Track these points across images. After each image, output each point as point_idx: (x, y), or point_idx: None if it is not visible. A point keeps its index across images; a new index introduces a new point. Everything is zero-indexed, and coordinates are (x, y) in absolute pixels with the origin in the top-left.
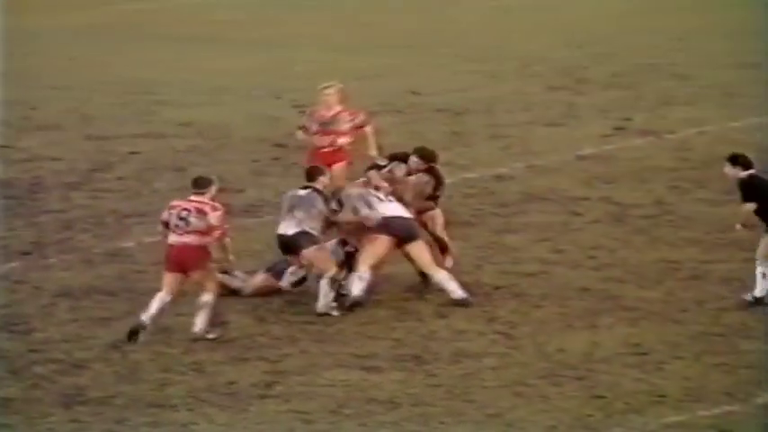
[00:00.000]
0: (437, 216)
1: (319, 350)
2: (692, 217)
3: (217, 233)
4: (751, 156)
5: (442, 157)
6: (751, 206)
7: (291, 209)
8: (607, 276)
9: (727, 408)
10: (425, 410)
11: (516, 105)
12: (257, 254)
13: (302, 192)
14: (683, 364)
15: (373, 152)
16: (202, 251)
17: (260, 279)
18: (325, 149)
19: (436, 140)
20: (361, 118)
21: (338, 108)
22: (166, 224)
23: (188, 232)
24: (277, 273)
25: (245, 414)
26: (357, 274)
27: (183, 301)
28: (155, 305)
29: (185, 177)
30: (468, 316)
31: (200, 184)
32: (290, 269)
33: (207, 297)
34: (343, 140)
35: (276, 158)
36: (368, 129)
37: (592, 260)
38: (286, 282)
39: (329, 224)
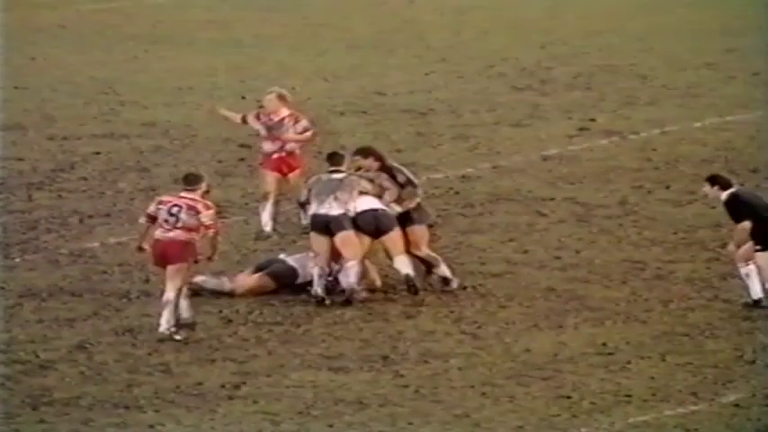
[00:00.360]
0: (417, 231)
1: (287, 351)
2: (655, 217)
3: (211, 231)
4: (713, 155)
5: (409, 157)
6: (747, 225)
7: (332, 191)
8: (572, 276)
9: (693, 407)
10: (393, 411)
11: (481, 106)
12: (223, 254)
13: (337, 176)
14: (649, 363)
15: (304, 139)
16: (187, 246)
17: (253, 279)
18: (276, 155)
19: (401, 141)
20: (302, 124)
21: (284, 113)
22: (152, 218)
23: (176, 228)
24: (272, 273)
25: (213, 415)
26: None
27: (148, 301)
28: (166, 314)
29: (149, 178)
30: (436, 316)
31: (190, 181)
32: (316, 271)
33: (169, 294)
34: (291, 146)
35: (241, 159)
36: (307, 134)
37: (557, 260)
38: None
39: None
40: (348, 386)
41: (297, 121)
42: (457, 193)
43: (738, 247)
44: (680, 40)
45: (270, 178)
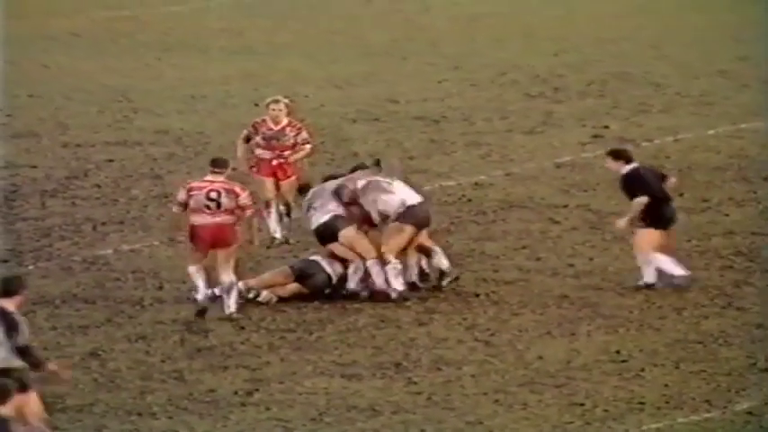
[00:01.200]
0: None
1: (299, 358)
2: None
3: (249, 211)
4: (726, 162)
5: (421, 165)
6: (644, 200)
7: (308, 208)
8: (585, 284)
9: (706, 414)
10: (406, 418)
11: (494, 113)
12: (237, 261)
13: (309, 192)
14: (662, 371)
15: (297, 165)
16: (234, 229)
17: (292, 288)
18: (273, 163)
19: (414, 148)
20: (303, 136)
21: (284, 122)
22: (185, 205)
23: (221, 213)
24: (310, 285)
25: (226, 422)
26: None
27: (161, 308)
28: (201, 283)
29: (162, 185)
30: (448, 323)
31: (219, 164)
32: (351, 269)
33: (231, 277)
34: (288, 154)
35: (253, 167)
36: (307, 147)
37: (570, 268)
38: (352, 284)
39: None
40: (361, 393)
41: (299, 132)
42: (470, 200)
43: (631, 222)
44: (693, 48)
45: (269, 185)
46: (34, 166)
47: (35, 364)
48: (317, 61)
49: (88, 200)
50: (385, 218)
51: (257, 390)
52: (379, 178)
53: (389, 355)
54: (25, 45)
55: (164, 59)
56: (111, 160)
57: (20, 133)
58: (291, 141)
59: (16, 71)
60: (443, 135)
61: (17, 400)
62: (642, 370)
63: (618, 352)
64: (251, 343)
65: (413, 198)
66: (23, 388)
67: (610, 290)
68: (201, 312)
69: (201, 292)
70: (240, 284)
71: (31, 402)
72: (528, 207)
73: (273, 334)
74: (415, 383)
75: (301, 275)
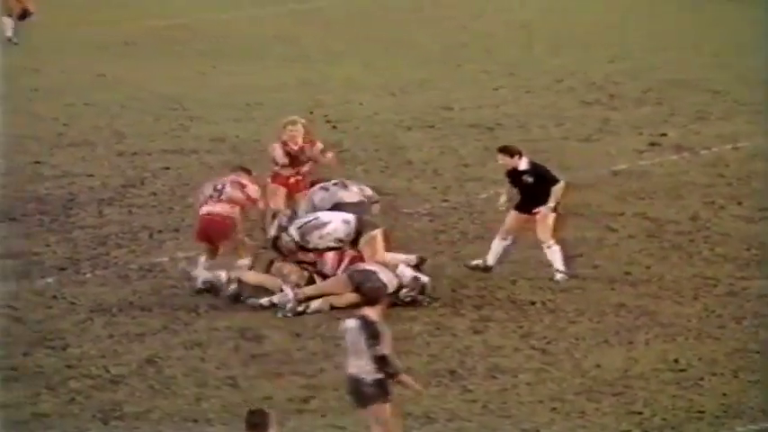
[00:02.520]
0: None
1: None
2: (727, 233)
3: (260, 204)
4: None
5: (476, 172)
6: (563, 183)
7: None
8: (643, 292)
9: (765, 424)
10: (461, 425)
11: (550, 120)
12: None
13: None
14: (721, 380)
15: (330, 161)
16: (231, 222)
17: (351, 297)
18: (293, 179)
19: (469, 156)
20: (318, 146)
21: (300, 141)
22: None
23: (222, 201)
24: (367, 296)
25: (282, 429)
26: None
27: (216, 315)
28: (202, 272)
29: None
30: (504, 331)
31: (245, 169)
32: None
33: (245, 261)
34: (305, 170)
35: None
36: (329, 155)
37: (627, 276)
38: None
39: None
40: (416, 400)
41: (313, 145)
42: None
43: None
44: (751, 56)
45: (282, 194)
46: (91, 175)
47: (391, 374)
48: (371, 69)
49: (144, 208)
50: (341, 241)
51: (313, 397)
52: (303, 220)
53: (444, 363)
54: (80, 54)
55: (218, 67)
56: (167, 168)
57: (76, 142)
58: (308, 156)
59: (71, 80)
60: (498, 142)
61: (375, 410)
62: (701, 379)
63: (676, 361)
64: (306, 350)
65: (344, 213)
66: (384, 398)
67: (667, 298)
68: (211, 290)
69: (201, 280)
70: (297, 291)
71: (389, 412)
72: (584, 215)
73: (328, 341)
74: (471, 391)
75: (360, 286)
